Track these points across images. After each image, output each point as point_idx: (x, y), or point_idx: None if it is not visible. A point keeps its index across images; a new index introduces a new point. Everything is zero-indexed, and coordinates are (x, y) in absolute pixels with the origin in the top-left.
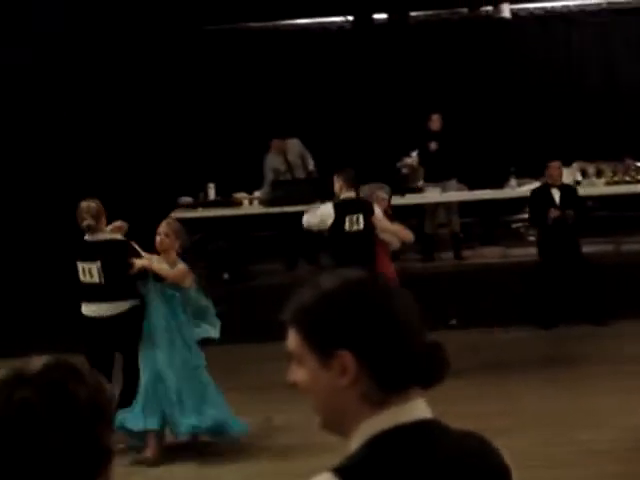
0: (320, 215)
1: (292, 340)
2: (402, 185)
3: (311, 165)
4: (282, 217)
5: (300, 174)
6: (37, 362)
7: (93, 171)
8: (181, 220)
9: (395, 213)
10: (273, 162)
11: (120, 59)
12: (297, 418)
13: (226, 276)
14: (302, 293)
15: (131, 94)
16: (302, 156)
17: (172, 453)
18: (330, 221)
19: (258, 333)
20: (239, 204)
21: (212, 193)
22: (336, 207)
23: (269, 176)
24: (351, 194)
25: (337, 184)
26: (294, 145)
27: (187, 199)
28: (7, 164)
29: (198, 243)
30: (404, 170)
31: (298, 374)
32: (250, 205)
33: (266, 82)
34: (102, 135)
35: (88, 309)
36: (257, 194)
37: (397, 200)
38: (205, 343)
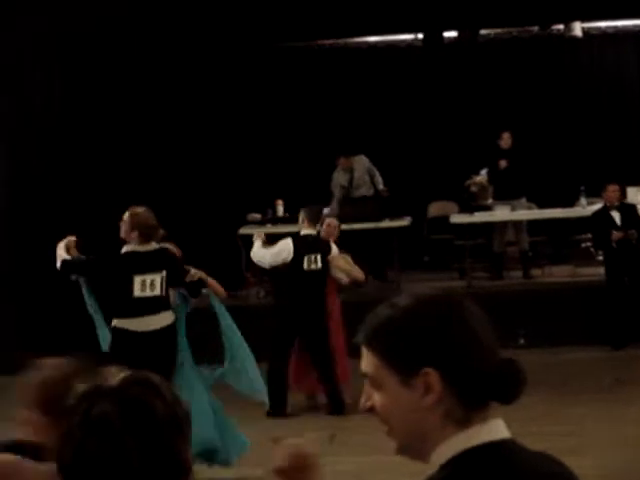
0: (278, 250)
1: (369, 362)
2: (471, 203)
3: (380, 183)
4: (349, 234)
5: (367, 191)
6: (116, 377)
7: (161, 187)
8: (249, 236)
9: (464, 231)
10: (340, 179)
11: (193, 76)
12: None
13: None
14: (377, 313)
15: (203, 110)
16: (370, 173)
17: None
18: (286, 256)
19: None
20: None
21: (280, 209)
22: (295, 244)
23: (336, 193)
24: (312, 231)
25: (300, 218)
26: (361, 162)
27: (255, 215)
28: (72, 178)
29: None
30: (473, 188)
31: (376, 398)
32: None
33: (335, 99)
34: (173, 150)
35: (141, 323)
36: (325, 211)
37: (466, 218)
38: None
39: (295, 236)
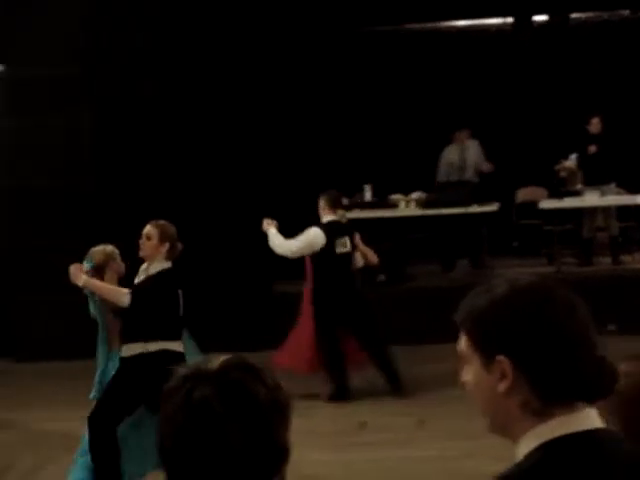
0: (311, 241)
1: (462, 341)
2: (560, 188)
3: (486, 166)
4: (439, 219)
5: (473, 177)
6: (216, 360)
7: (248, 173)
8: (337, 221)
9: (553, 216)
10: (450, 154)
11: (278, 61)
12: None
13: (382, 278)
14: (475, 296)
15: (289, 95)
16: (479, 158)
17: None
18: (321, 244)
19: (414, 335)
20: (395, 206)
21: (368, 194)
22: (325, 231)
23: (442, 171)
24: (334, 216)
25: (321, 205)
26: (475, 145)
27: (343, 200)
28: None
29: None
30: (563, 173)
31: (466, 374)
32: (407, 207)
33: (424, 84)
34: (259, 136)
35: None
36: (413, 196)
37: (555, 204)
38: None
39: (320, 224)
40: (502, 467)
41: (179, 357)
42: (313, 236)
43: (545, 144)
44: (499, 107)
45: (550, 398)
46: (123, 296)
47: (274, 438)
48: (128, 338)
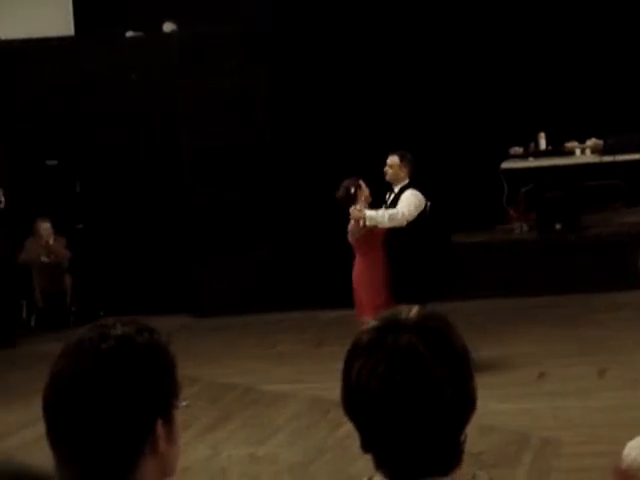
0: (419, 201)
1: None
2: None
3: None
4: (616, 166)
5: None
6: (411, 311)
7: (418, 122)
8: (511, 170)
9: None
10: None
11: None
12: None
13: (558, 226)
14: None
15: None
16: None
17: None
18: (424, 203)
19: (590, 283)
20: (571, 153)
21: (543, 143)
22: (421, 193)
23: None
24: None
25: (406, 169)
26: None
27: (518, 149)
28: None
29: (529, 193)
30: None
31: None
32: (582, 154)
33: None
34: (428, 85)
35: None
36: (589, 143)
37: None
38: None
39: (413, 184)
40: None
41: None
42: (418, 197)
43: None
44: None
45: None
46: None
47: (468, 387)
48: None
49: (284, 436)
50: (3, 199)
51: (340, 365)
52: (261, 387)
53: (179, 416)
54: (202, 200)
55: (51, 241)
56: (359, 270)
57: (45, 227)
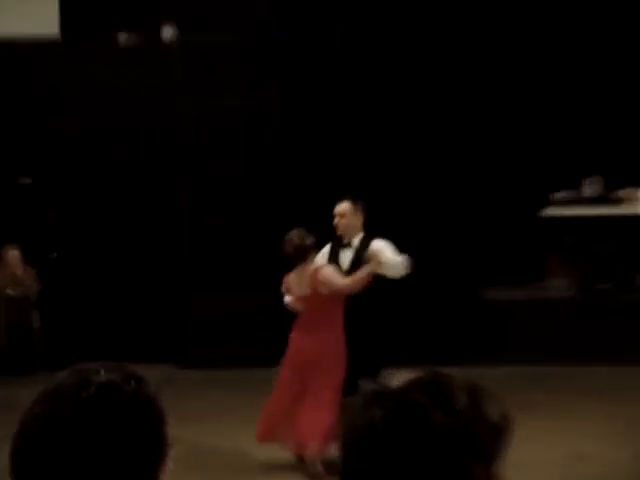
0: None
1: None
2: None
3: None
4: None
5: None
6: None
7: (445, 157)
8: (553, 219)
9: None
10: None
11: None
12: None
13: (606, 285)
14: None
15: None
16: None
17: None
18: None
19: None
20: (623, 201)
21: (592, 188)
22: None
23: None
24: None
25: (361, 217)
26: None
27: (562, 194)
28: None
29: (572, 245)
30: None
31: None
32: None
33: None
34: (459, 116)
35: None
36: None
37: None
38: None
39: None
40: None
41: None
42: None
43: None
44: None
45: None
46: None
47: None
48: None
49: None
50: None
51: None
52: (253, 453)
53: None
54: (199, 233)
55: (19, 271)
56: (323, 342)
57: (13, 255)
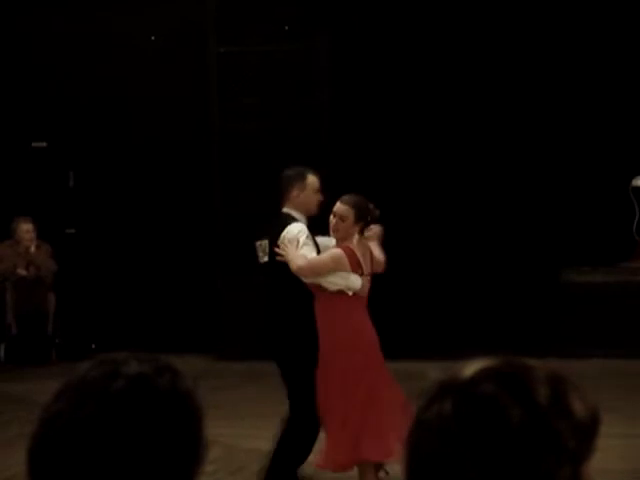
0: None
1: None
2: None
3: None
4: None
5: None
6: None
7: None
8: None
9: None
10: None
11: None
12: None
13: None
14: None
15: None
16: None
17: None
18: None
19: None
20: None
21: None
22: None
23: None
24: None
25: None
26: None
27: None
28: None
29: None
30: None
31: None
32: None
33: None
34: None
35: None
36: None
37: None
38: None
39: None
40: None
41: None
42: None
43: None
44: None
45: None
46: None
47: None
48: None
49: None
50: None
51: None
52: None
53: None
54: (235, 209)
55: (32, 248)
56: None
57: (26, 229)
